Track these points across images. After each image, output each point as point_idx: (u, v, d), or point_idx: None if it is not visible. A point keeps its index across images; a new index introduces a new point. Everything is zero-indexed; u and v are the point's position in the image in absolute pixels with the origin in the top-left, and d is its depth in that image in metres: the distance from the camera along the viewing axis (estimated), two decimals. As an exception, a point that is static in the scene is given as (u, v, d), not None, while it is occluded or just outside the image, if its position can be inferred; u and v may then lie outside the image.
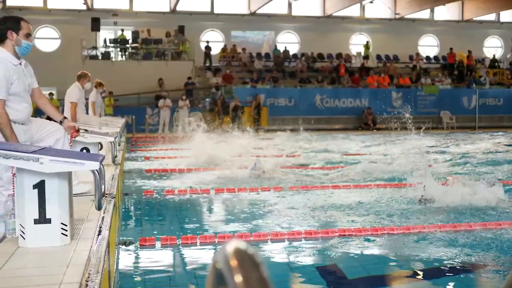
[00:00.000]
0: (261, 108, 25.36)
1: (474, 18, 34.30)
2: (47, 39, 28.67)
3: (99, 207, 3.87)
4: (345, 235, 5.82)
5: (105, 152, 8.19)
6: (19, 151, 3.53)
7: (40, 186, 3.66)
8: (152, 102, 25.66)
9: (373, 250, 5.60)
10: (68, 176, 3.80)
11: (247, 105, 25.51)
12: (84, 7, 28.38)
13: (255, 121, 25.08)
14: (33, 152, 3.58)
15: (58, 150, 4.27)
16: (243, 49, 30.01)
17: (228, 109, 24.79)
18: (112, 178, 6.58)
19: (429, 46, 34.84)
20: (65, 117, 5.43)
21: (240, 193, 8.55)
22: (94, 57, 27.45)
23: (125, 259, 5.21)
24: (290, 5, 32.12)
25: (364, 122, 26.77)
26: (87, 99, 12.30)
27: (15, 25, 4.71)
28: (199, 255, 5.32)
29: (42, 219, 3.67)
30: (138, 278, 4.72)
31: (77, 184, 5.30)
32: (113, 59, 28.02)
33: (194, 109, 24.99)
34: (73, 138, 5.74)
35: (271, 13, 31.42)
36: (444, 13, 34.65)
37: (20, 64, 4.79)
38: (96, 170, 3.70)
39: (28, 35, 4.79)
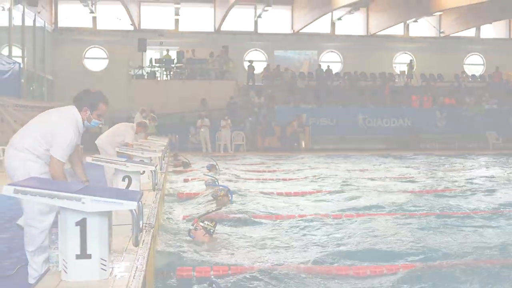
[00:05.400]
0: (303, 128, 25.44)
1: (523, 36, 33.68)
2: (95, 59, 29.57)
3: (136, 244, 4.08)
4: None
5: (146, 178, 8.45)
6: (63, 191, 3.77)
7: (82, 224, 3.89)
8: (196, 121, 26.10)
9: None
10: (108, 213, 4.02)
11: (289, 125, 25.66)
12: (131, 28, 29.17)
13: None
14: (76, 192, 3.81)
15: (99, 188, 4.50)
16: (286, 69, 30.21)
17: (272, 129, 24.98)
18: (152, 206, 6.81)
19: (474, 64, 34.29)
20: (87, 180, 5.54)
21: (277, 220, 8.60)
22: (140, 77, 28.16)
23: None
24: (333, 24, 32.20)
25: (407, 142, 26.51)
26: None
27: (93, 105, 5.17)
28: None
29: (83, 254, 3.89)
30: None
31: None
32: (159, 79, 28.67)
33: (237, 128, 25.29)
34: None
35: (314, 32, 31.55)
36: (490, 31, 34.11)
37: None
38: (134, 209, 3.91)
39: (100, 116, 5.24)
